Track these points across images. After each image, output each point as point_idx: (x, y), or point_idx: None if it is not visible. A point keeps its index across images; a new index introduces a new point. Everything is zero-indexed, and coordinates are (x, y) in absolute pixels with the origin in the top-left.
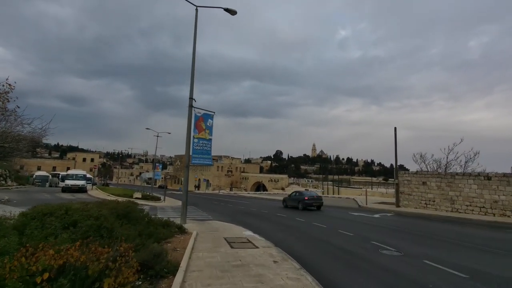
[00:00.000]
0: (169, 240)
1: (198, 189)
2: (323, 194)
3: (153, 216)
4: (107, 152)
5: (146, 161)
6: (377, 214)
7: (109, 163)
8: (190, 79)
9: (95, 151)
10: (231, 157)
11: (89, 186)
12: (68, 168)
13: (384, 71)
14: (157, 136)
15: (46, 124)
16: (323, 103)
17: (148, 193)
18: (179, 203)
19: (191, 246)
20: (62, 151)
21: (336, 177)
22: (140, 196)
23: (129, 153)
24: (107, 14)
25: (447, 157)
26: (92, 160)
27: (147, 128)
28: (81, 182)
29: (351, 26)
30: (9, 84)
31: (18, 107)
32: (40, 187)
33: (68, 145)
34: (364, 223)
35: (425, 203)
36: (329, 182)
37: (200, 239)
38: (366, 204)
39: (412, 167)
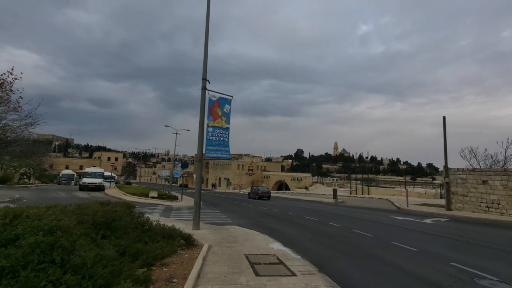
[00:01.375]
0: (167, 261)
1: (215, 188)
2: (350, 194)
3: (155, 223)
4: (132, 152)
5: (169, 160)
6: (427, 219)
7: (134, 162)
8: (204, 54)
9: (121, 151)
10: (252, 156)
11: (108, 185)
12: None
13: (408, 65)
14: (176, 134)
15: (34, 109)
16: (344, 100)
17: (166, 192)
18: None
19: (196, 273)
20: (91, 151)
21: (360, 176)
22: (156, 195)
23: (153, 152)
24: (131, 19)
25: (505, 152)
26: (116, 159)
27: (166, 126)
28: (98, 180)
29: (373, 21)
30: (11, 73)
31: (21, 97)
32: (64, 185)
33: (97, 145)
34: (420, 232)
35: (486, 206)
36: (357, 181)
37: (212, 258)
38: (407, 206)
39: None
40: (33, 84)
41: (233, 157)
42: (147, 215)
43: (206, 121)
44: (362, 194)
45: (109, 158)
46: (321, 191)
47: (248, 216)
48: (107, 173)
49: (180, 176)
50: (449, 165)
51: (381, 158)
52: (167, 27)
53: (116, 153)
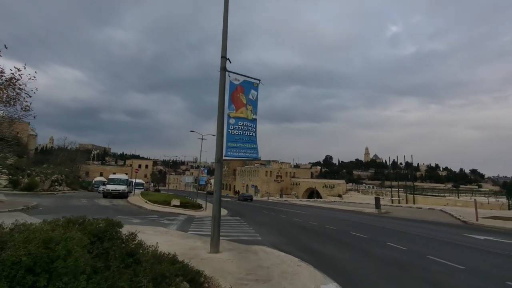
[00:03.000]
0: None
1: (237, 194)
2: (392, 202)
3: (151, 249)
4: (163, 160)
5: (197, 167)
6: None
7: (164, 170)
8: (223, 25)
9: (152, 158)
10: (280, 162)
11: (133, 192)
12: (126, 174)
13: (444, 65)
14: (202, 139)
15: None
16: (373, 104)
17: (190, 199)
18: (223, 211)
19: None
20: (125, 159)
21: (395, 183)
22: (178, 204)
23: (182, 160)
24: (161, 33)
25: None
26: (146, 166)
27: (192, 131)
28: (121, 187)
29: (403, 21)
30: (18, 69)
31: (29, 96)
32: (92, 192)
33: (131, 153)
34: None
35: None
36: (399, 189)
37: None
38: (477, 219)
39: (488, 171)
40: (76, 98)
41: (261, 164)
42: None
43: (226, 111)
44: (407, 203)
45: (139, 166)
46: (357, 199)
47: (280, 230)
48: (137, 180)
49: (205, 183)
50: (502, 172)
51: (417, 163)
52: (195, 39)
53: (146, 160)
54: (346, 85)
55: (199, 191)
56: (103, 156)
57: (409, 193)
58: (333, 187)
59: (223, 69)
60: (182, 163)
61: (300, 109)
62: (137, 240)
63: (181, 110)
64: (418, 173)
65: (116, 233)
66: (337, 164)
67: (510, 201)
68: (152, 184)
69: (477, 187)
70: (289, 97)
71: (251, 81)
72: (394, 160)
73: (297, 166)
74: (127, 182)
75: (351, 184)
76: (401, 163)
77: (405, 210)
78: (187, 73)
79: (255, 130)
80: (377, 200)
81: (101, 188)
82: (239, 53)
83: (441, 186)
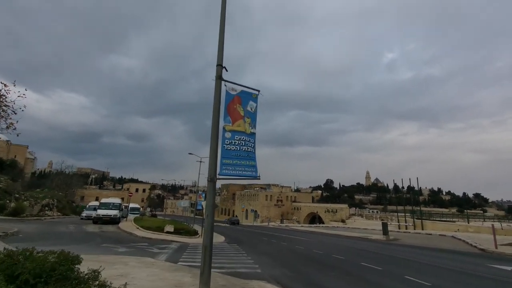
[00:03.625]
0: None
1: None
2: (399, 228)
3: None
4: (162, 184)
5: (197, 191)
6: None
7: (163, 194)
8: (219, 32)
9: (151, 182)
10: (281, 186)
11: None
12: (123, 199)
13: (441, 90)
14: (200, 162)
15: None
16: (374, 128)
17: (186, 224)
18: (220, 238)
19: None
20: (124, 183)
21: (399, 207)
22: (172, 230)
23: (182, 184)
24: (165, 59)
25: None
26: (144, 190)
27: (190, 153)
28: (113, 212)
29: (399, 48)
30: (5, 84)
31: (15, 113)
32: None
33: (130, 177)
34: None
35: None
36: (405, 214)
37: None
38: (496, 247)
39: (492, 196)
40: (79, 123)
41: (261, 187)
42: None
43: (222, 123)
44: (415, 229)
45: (137, 190)
46: (361, 224)
47: (282, 260)
48: (133, 205)
49: (202, 208)
50: (505, 196)
51: (420, 187)
52: (198, 65)
53: (144, 184)
54: (347, 109)
55: (196, 216)
56: (101, 180)
57: (417, 218)
58: (336, 211)
59: (219, 78)
60: (181, 187)
61: (301, 133)
62: (99, 281)
63: (182, 134)
64: (421, 197)
65: (70, 271)
66: (338, 188)
67: None
68: (149, 209)
69: (482, 211)
70: (290, 121)
71: (249, 91)
72: (395, 184)
73: (297, 190)
74: (119, 207)
75: (354, 208)
76: (403, 187)
77: (414, 237)
78: (189, 97)
79: (254, 146)
80: (385, 225)
81: (84, 214)
82: (241, 78)
83: (446, 210)
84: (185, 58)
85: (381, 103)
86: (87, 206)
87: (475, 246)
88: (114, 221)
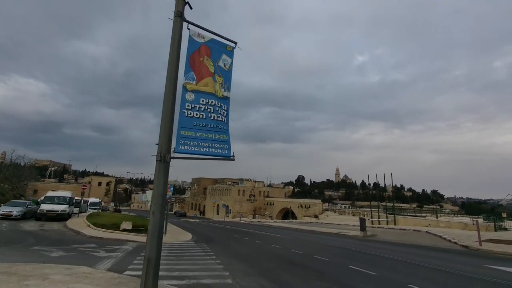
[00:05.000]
0: None
1: (203, 215)
2: (372, 223)
3: None
4: (130, 178)
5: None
6: None
7: (130, 188)
8: None
9: (119, 177)
10: (254, 181)
11: (90, 212)
12: (82, 194)
13: (405, 94)
14: None
15: None
16: (344, 127)
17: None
18: (187, 236)
19: None
20: (88, 177)
21: (365, 203)
22: (129, 227)
23: (151, 178)
24: (137, 51)
25: None
26: (107, 184)
27: (157, 144)
28: (60, 207)
29: (369, 52)
30: None
31: None
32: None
33: (95, 171)
34: None
35: None
36: (379, 209)
37: None
38: (480, 244)
39: (447, 192)
40: (38, 111)
41: (233, 182)
42: None
43: (181, 80)
44: (387, 224)
45: (100, 183)
46: (334, 220)
47: (257, 264)
48: (93, 199)
49: (168, 202)
50: (448, 193)
51: (385, 184)
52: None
53: (108, 178)
54: (319, 108)
55: (166, 212)
56: (62, 173)
57: (389, 213)
58: (309, 207)
59: (179, 15)
60: (151, 181)
61: (274, 130)
62: None
63: (154, 127)
64: (386, 194)
65: None
66: (309, 184)
67: (496, 223)
68: (112, 204)
69: (439, 207)
70: (264, 118)
71: (223, 42)
72: (363, 180)
73: (270, 186)
74: (69, 201)
75: (327, 204)
76: (369, 184)
77: (390, 232)
78: (161, 90)
79: (227, 115)
80: (362, 221)
81: (1, 210)
82: None
83: (407, 206)
84: (157, 49)
85: (351, 104)
86: (40, 200)
87: (456, 243)
88: (61, 217)
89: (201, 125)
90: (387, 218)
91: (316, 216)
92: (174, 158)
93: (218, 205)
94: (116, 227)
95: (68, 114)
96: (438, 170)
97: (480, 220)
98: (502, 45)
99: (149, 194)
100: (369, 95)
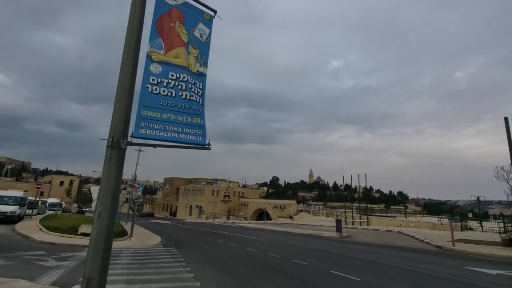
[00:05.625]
0: None
1: (174, 216)
2: (346, 224)
3: None
4: (97, 177)
5: (133, 184)
6: None
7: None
8: None
9: (86, 176)
10: (229, 181)
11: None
12: (41, 194)
13: (376, 99)
14: (139, 151)
15: None
16: (318, 129)
17: (118, 223)
18: (155, 239)
19: None
20: (49, 176)
21: (336, 204)
22: (89, 231)
23: (122, 179)
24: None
25: None
26: (70, 183)
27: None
28: (9, 209)
29: (343, 57)
30: None
31: None
32: None
33: (58, 169)
34: None
35: None
36: (353, 210)
37: None
38: (453, 245)
39: (411, 193)
40: None
41: (208, 182)
42: None
43: (145, 48)
44: (361, 224)
45: (62, 183)
46: (309, 220)
47: (234, 273)
48: (52, 200)
49: (135, 202)
50: (420, 194)
51: (355, 186)
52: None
53: (71, 176)
54: (295, 110)
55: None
56: (20, 171)
57: (363, 214)
58: (284, 208)
59: None
60: (122, 181)
61: (251, 131)
62: None
63: None
64: (356, 195)
65: None
66: (283, 185)
67: (462, 223)
68: (75, 205)
69: (404, 207)
70: (240, 118)
71: (200, 8)
72: (335, 182)
73: (244, 186)
74: (20, 202)
75: (301, 205)
76: (341, 185)
77: (365, 233)
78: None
79: (203, 94)
80: (339, 222)
81: None
82: None
83: (376, 206)
84: None
85: (326, 107)
86: None
87: (428, 243)
88: (11, 219)
89: (169, 104)
90: (360, 219)
91: (291, 217)
92: (131, 144)
93: (191, 205)
94: (73, 230)
95: (30, 108)
96: (403, 172)
97: (445, 220)
98: (464, 57)
99: (95, 190)
100: (343, 99)
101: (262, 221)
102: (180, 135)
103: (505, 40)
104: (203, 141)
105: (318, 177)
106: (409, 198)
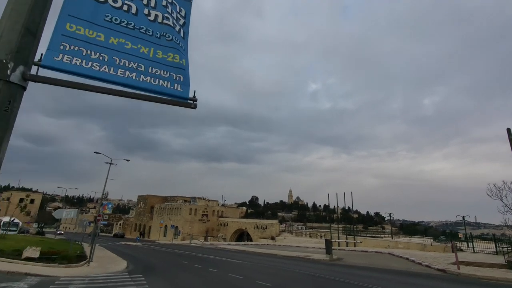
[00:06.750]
0: None
1: (143, 237)
2: (332, 245)
3: None
4: (66, 195)
5: (101, 200)
6: None
7: (65, 207)
8: None
9: (52, 194)
10: (207, 199)
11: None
12: None
13: (352, 121)
14: (110, 164)
15: None
16: (297, 149)
17: (78, 244)
18: (120, 265)
19: None
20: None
21: (317, 224)
22: (36, 255)
23: (92, 197)
24: None
25: None
26: (32, 201)
27: (96, 152)
28: None
29: (321, 80)
30: None
31: None
32: None
33: (21, 186)
34: None
35: None
36: (339, 230)
37: None
38: (458, 268)
39: (387, 214)
40: None
41: (185, 200)
42: None
43: None
44: (347, 246)
45: (22, 200)
46: (292, 241)
47: None
48: (6, 219)
49: (98, 220)
50: (396, 215)
51: (334, 206)
52: None
53: (34, 193)
54: (274, 130)
55: (102, 234)
56: None
57: (348, 235)
58: (266, 228)
59: None
60: (91, 200)
61: (229, 150)
62: None
63: (99, 140)
64: (335, 215)
65: None
66: (262, 205)
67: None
68: (35, 225)
69: (381, 228)
70: (220, 136)
71: None
72: (314, 202)
73: (223, 206)
74: None
75: (284, 225)
76: (320, 206)
77: (355, 255)
78: (110, 100)
79: (187, 26)
80: (329, 243)
81: None
82: None
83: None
84: None
85: (304, 128)
86: None
87: (428, 266)
88: None
89: (123, 23)
90: (347, 239)
91: (273, 238)
92: (35, 79)
93: (166, 225)
94: (18, 254)
95: None
96: (378, 193)
97: (430, 241)
98: (431, 85)
99: (69, 211)
100: (320, 120)
101: (243, 242)
102: (142, 76)
103: (464, 70)
104: (184, 92)
105: (298, 197)
106: (386, 219)
